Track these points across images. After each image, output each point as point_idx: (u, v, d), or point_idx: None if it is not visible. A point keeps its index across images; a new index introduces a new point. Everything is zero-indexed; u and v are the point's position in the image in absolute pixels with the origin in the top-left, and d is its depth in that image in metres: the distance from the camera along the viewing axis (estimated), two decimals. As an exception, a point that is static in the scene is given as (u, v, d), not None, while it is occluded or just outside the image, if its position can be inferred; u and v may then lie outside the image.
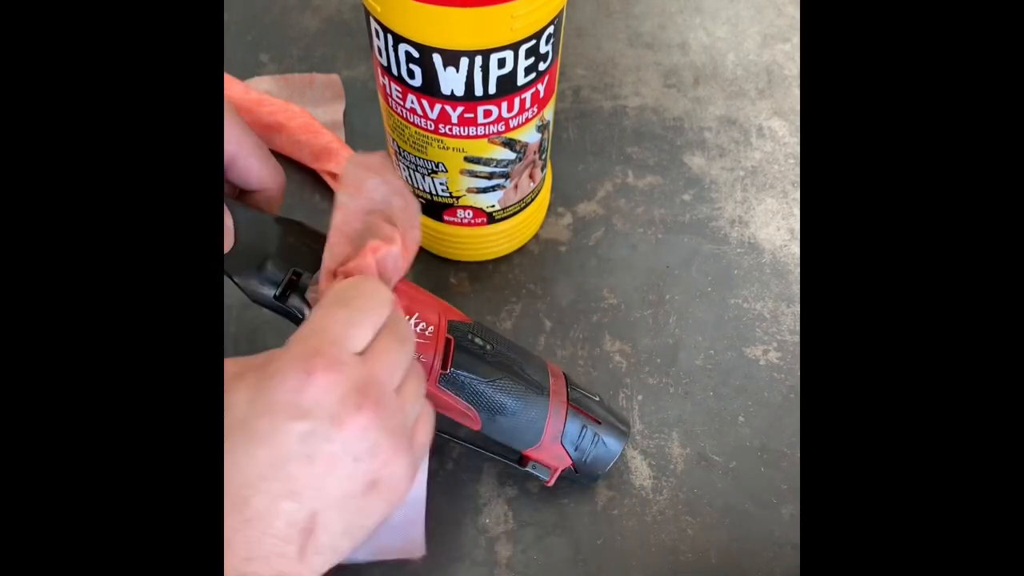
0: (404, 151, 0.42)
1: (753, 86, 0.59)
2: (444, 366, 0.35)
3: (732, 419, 0.44)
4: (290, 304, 0.33)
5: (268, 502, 0.25)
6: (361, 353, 0.27)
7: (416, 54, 0.35)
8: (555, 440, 0.38)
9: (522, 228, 0.48)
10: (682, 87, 0.59)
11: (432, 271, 0.49)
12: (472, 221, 0.46)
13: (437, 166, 0.42)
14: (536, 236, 0.51)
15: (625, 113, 0.58)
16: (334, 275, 0.31)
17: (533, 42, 0.36)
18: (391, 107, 0.40)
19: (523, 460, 0.39)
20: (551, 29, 0.36)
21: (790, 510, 0.42)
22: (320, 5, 0.63)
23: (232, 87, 0.53)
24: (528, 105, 0.39)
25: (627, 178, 0.54)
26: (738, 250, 0.51)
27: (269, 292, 0.33)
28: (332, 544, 0.27)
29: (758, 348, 0.47)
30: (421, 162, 0.42)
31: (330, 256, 0.31)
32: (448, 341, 0.36)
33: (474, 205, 0.44)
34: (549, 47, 0.37)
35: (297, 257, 0.34)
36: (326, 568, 0.27)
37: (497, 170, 0.42)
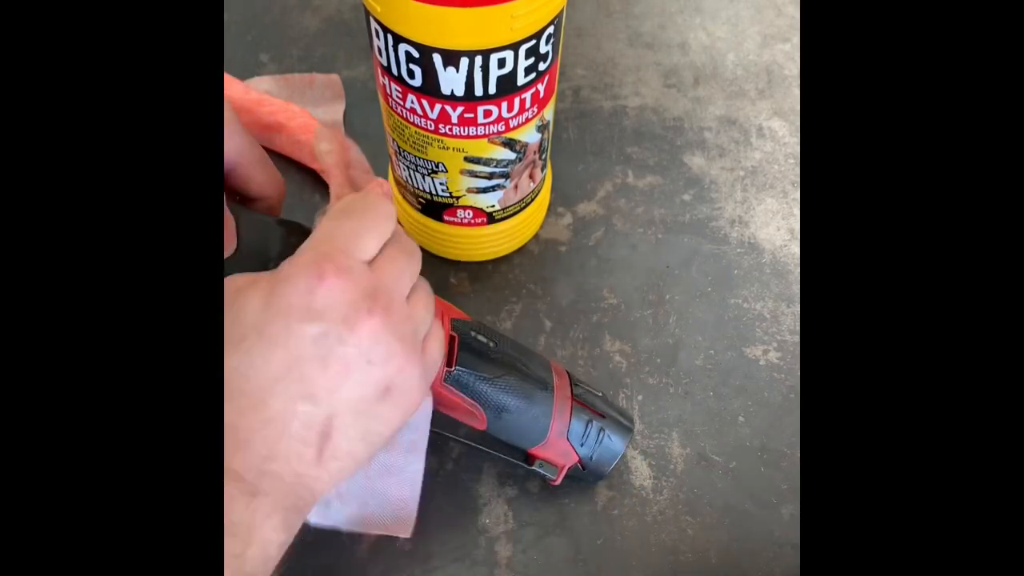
0: (404, 151, 0.42)
1: (753, 86, 0.59)
2: (449, 364, 0.35)
3: (732, 419, 0.44)
4: None
5: (285, 403, 0.26)
6: (369, 264, 0.28)
7: (416, 54, 0.35)
8: (561, 436, 0.38)
9: (522, 228, 0.48)
10: (682, 87, 0.59)
11: (432, 271, 0.49)
12: (472, 221, 0.46)
13: (437, 166, 0.42)
14: (536, 236, 0.51)
15: (625, 113, 0.58)
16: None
17: (533, 42, 0.36)
18: (391, 107, 0.40)
19: (529, 459, 0.39)
20: (551, 29, 0.36)
21: (790, 510, 0.42)
22: (320, 5, 0.63)
23: (232, 87, 0.53)
24: (528, 105, 0.39)
25: (627, 178, 0.54)
26: (738, 250, 0.51)
27: None
28: (349, 449, 0.27)
29: (758, 348, 0.47)
30: (421, 162, 0.42)
31: (335, 188, 0.31)
32: (452, 339, 0.36)
33: (474, 205, 0.44)
34: (549, 47, 0.37)
35: None
36: (342, 475, 0.28)
37: (497, 170, 0.42)
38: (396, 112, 0.40)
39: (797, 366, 0.46)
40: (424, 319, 0.30)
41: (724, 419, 0.44)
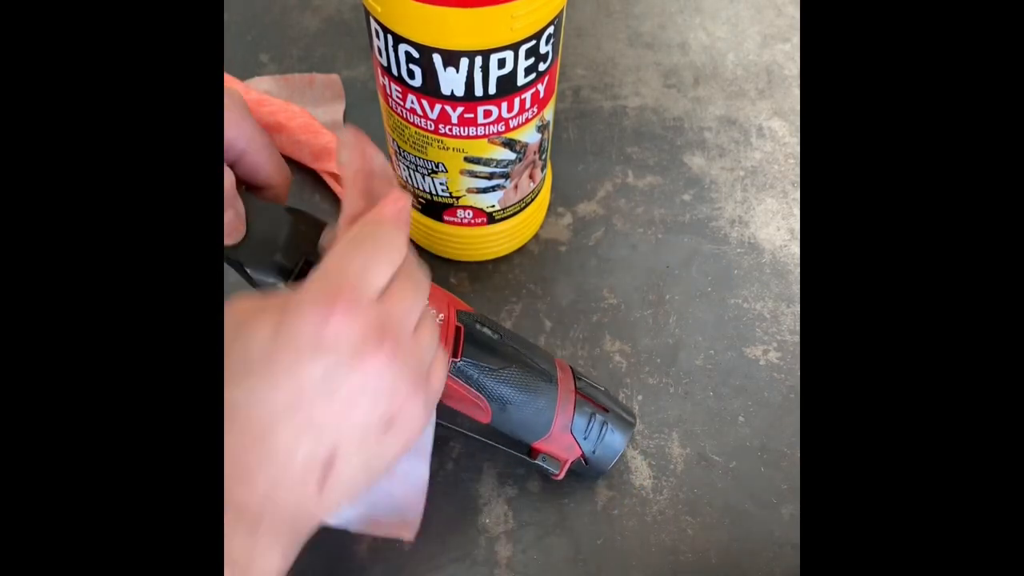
0: (404, 151, 0.42)
1: (753, 86, 0.59)
2: (455, 354, 0.35)
3: (732, 419, 0.44)
4: None
5: (290, 436, 0.26)
6: (379, 295, 0.28)
7: (416, 54, 0.35)
8: (565, 430, 0.38)
9: (522, 228, 0.48)
10: (682, 87, 0.59)
11: (432, 271, 0.49)
12: (472, 221, 0.46)
13: (437, 166, 0.42)
14: (536, 236, 0.51)
15: (625, 113, 0.58)
16: (352, 224, 0.31)
17: (533, 42, 0.36)
18: (391, 107, 0.40)
19: (532, 453, 0.39)
20: (551, 29, 0.36)
21: (790, 510, 0.42)
22: (320, 5, 0.63)
23: (232, 87, 0.53)
24: (528, 105, 0.39)
25: (627, 178, 0.54)
26: (738, 250, 0.51)
27: (280, 282, 0.33)
28: (350, 480, 0.27)
29: (758, 348, 0.47)
30: (421, 162, 0.42)
31: (348, 206, 0.31)
32: (458, 329, 0.36)
33: (474, 205, 0.44)
34: (549, 47, 0.37)
35: (308, 246, 0.34)
36: (341, 505, 0.28)
37: (497, 170, 0.42)
38: (396, 112, 0.40)
39: (797, 366, 0.46)
40: (429, 349, 0.30)
41: (724, 419, 0.44)
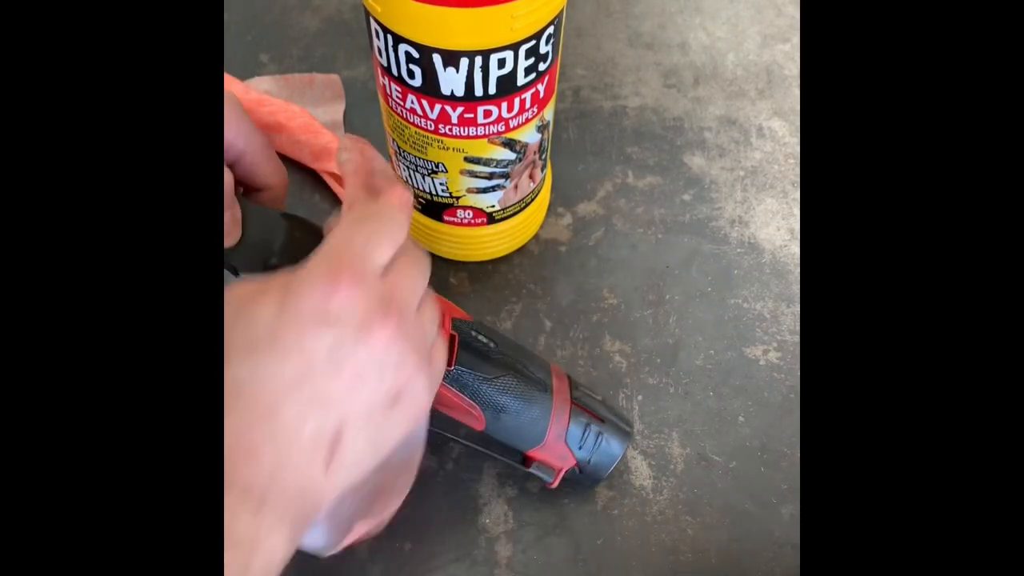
0: (404, 151, 0.42)
1: (753, 86, 0.59)
2: (449, 362, 0.35)
3: (732, 419, 0.44)
4: None
5: (296, 413, 0.25)
6: (382, 272, 0.28)
7: (416, 54, 0.35)
8: (559, 439, 0.38)
9: (522, 228, 0.48)
10: (682, 87, 0.59)
11: (432, 271, 0.49)
12: (472, 221, 0.46)
13: (437, 166, 0.42)
14: (536, 236, 0.51)
15: (625, 113, 0.58)
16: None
17: (533, 42, 0.36)
18: (391, 107, 0.40)
19: (526, 461, 0.38)
20: (551, 29, 0.36)
21: (790, 510, 0.42)
22: (320, 5, 0.63)
23: (232, 87, 0.53)
24: (528, 105, 0.39)
25: (627, 178, 0.54)
26: (738, 250, 0.51)
27: None
28: (355, 458, 0.27)
29: (758, 348, 0.47)
30: (421, 162, 0.42)
31: (350, 197, 0.31)
32: (452, 337, 0.36)
33: (474, 205, 0.44)
34: (549, 47, 0.37)
35: (303, 252, 0.34)
36: (346, 484, 0.28)
37: (497, 170, 0.42)
38: (396, 112, 0.40)
39: (797, 366, 0.46)
40: (432, 329, 0.30)
41: (724, 419, 0.44)
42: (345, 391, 0.26)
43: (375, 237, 0.28)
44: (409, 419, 0.29)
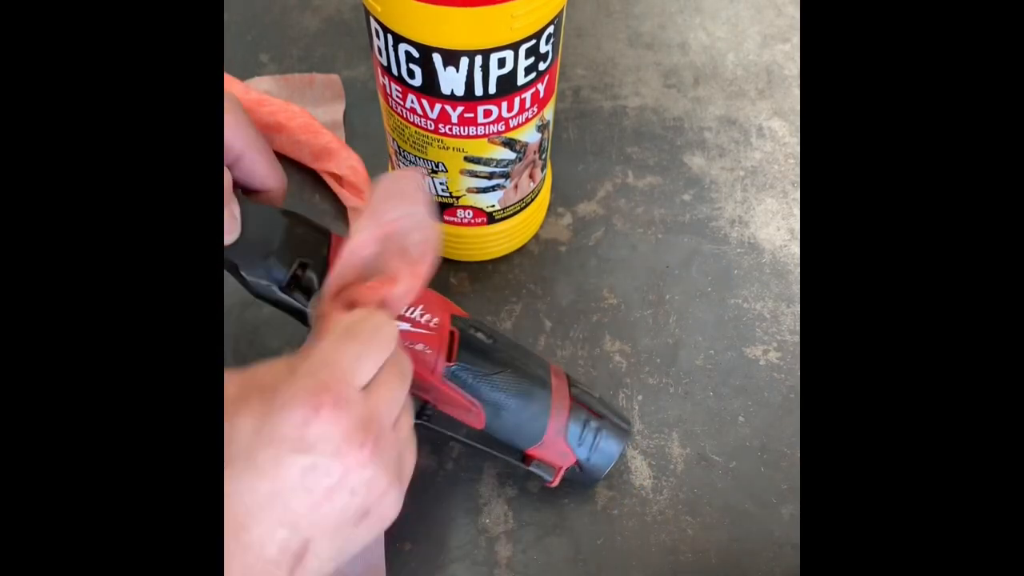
0: (404, 151, 0.42)
1: (753, 86, 0.59)
2: (449, 358, 0.35)
3: (732, 419, 0.44)
4: (294, 296, 0.33)
5: (265, 529, 0.26)
6: (365, 387, 0.28)
7: (416, 54, 0.35)
8: (559, 436, 0.38)
9: (522, 228, 0.48)
10: (682, 87, 0.59)
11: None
12: (472, 221, 0.46)
13: (437, 166, 0.42)
14: (536, 236, 0.51)
15: (625, 113, 0.58)
16: (337, 295, 0.31)
17: (533, 42, 0.36)
18: (391, 107, 0.40)
19: (526, 459, 0.38)
20: (551, 29, 0.36)
21: (790, 510, 0.42)
22: (320, 5, 0.63)
23: (232, 87, 0.53)
24: (528, 105, 0.39)
25: (627, 178, 0.54)
26: (738, 250, 0.51)
27: (274, 283, 0.33)
28: (319, 568, 0.28)
29: (758, 348, 0.47)
30: (421, 162, 0.42)
31: (337, 277, 0.31)
32: (452, 334, 0.36)
33: (474, 205, 0.44)
34: (549, 47, 0.37)
35: (303, 248, 0.34)
36: None
37: (497, 170, 0.42)
38: (396, 112, 0.40)
39: (797, 366, 0.46)
40: (407, 441, 0.31)
41: (724, 419, 0.44)
42: (315, 511, 0.27)
43: (363, 355, 0.28)
44: (376, 531, 0.29)
